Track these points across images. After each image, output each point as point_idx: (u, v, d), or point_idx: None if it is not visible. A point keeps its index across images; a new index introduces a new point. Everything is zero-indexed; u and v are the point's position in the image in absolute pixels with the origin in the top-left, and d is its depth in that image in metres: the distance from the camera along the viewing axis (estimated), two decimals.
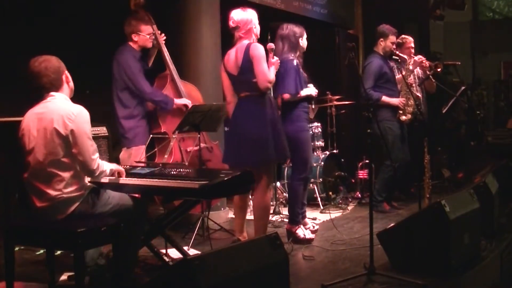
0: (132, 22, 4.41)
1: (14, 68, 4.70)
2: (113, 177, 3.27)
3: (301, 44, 4.58)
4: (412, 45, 5.84)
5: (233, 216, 4.62)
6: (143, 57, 4.55)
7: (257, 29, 4.14)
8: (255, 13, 4.15)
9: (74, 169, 3.00)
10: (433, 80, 5.87)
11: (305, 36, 4.62)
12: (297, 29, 4.57)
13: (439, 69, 5.76)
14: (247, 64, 3.97)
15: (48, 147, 2.95)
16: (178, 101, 4.58)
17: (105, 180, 3.28)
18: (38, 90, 3.06)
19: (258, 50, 3.96)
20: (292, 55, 4.52)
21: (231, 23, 4.09)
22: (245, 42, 4.04)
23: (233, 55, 4.08)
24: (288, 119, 4.49)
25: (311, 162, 4.66)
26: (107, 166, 3.17)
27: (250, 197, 5.11)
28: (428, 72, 5.75)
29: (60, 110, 2.98)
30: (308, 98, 4.63)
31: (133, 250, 3.27)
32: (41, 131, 2.97)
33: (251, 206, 5.09)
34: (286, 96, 4.46)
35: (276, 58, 4.08)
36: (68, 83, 3.14)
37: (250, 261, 2.57)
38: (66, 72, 3.14)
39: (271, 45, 4.11)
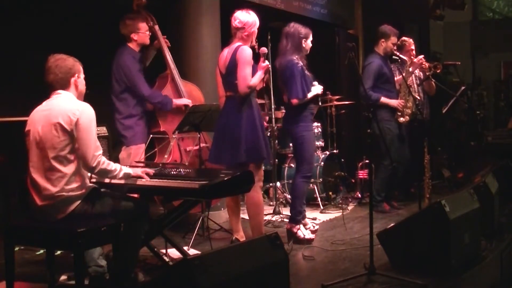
0: (128, 22, 4.42)
1: (14, 68, 4.72)
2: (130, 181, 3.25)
3: (304, 45, 4.56)
4: (413, 47, 5.82)
5: None
6: (141, 57, 4.57)
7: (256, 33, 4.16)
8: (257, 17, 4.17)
9: (77, 166, 3.00)
10: (433, 81, 5.86)
11: (310, 38, 4.60)
12: (302, 30, 4.55)
13: (438, 70, 5.76)
14: (233, 65, 3.99)
15: (53, 141, 2.95)
16: (177, 101, 4.59)
17: (106, 180, 3.29)
18: (47, 86, 3.07)
19: (244, 53, 3.97)
20: (296, 56, 4.50)
21: (236, 23, 4.08)
22: (237, 44, 4.05)
23: (225, 54, 4.12)
24: (295, 120, 4.52)
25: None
26: (121, 169, 3.13)
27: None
28: (427, 73, 5.74)
29: (66, 106, 2.99)
30: (316, 99, 4.65)
31: (133, 250, 3.27)
32: (46, 127, 2.98)
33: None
34: (295, 101, 4.46)
35: (266, 62, 4.06)
36: (76, 87, 3.13)
37: (250, 261, 2.57)
38: (79, 75, 3.13)
39: (263, 49, 4.09)
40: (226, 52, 4.11)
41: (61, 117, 2.95)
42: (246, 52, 3.98)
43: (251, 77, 3.98)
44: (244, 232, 4.36)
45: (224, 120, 4.08)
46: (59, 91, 3.07)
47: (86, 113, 2.99)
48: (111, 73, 4.45)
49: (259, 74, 4.03)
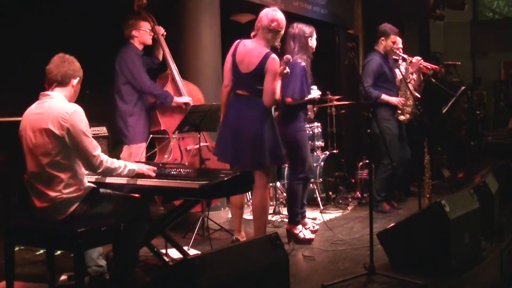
0: (131, 21, 4.53)
1: (14, 68, 4.72)
2: (134, 178, 3.24)
3: (310, 44, 4.53)
4: (401, 45, 5.82)
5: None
6: (148, 56, 4.64)
7: None
8: None
9: (73, 170, 2.99)
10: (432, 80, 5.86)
11: (314, 36, 4.56)
12: (307, 29, 4.51)
13: (443, 71, 5.77)
14: (259, 72, 3.87)
15: (46, 148, 2.94)
16: (179, 99, 4.60)
17: (108, 180, 3.29)
18: (47, 80, 3.07)
19: (275, 65, 3.86)
20: (301, 56, 4.45)
21: (275, 25, 3.90)
22: (266, 50, 3.90)
23: (248, 52, 3.93)
24: (287, 120, 4.48)
25: (310, 162, 4.64)
26: (126, 165, 3.13)
27: (248, 197, 5.12)
28: (421, 78, 5.72)
29: (55, 110, 2.96)
30: (310, 101, 4.63)
31: (133, 250, 3.26)
32: (37, 132, 2.96)
33: (251, 205, 5.10)
34: (289, 100, 4.41)
35: (287, 70, 3.96)
36: (74, 89, 3.12)
37: (250, 261, 2.57)
38: (79, 81, 3.13)
39: (288, 57, 3.95)
40: (250, 51, 3.93)
41: (51, 123, 2.93)
42: (277, 64, 3.87)
43: (279, 90, 3.92)
44: (245, 232, 4.35)
45: (239, 122, 3.94)
46: (49, 92, 3.05)
47: (75, 115, 2.96)
48: (113, 72, 4.47)
49: (279, 83, 3.94)
